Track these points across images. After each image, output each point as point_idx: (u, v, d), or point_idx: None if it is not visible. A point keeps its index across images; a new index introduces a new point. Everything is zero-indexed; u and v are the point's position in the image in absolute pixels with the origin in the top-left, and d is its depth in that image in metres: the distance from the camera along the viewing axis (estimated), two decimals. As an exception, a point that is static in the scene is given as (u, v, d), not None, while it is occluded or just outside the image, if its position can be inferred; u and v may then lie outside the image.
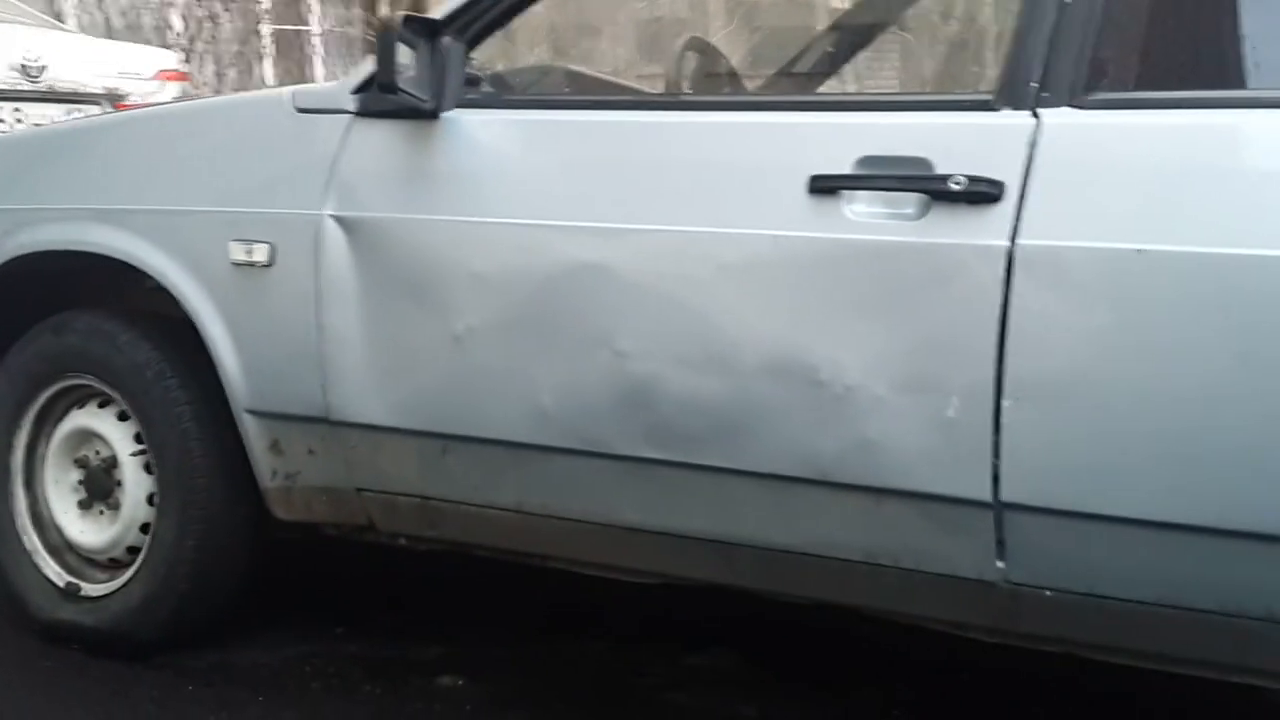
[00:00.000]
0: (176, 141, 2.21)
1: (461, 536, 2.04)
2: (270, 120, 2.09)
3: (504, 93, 2.04)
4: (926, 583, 1.71)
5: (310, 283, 1.99)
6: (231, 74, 7.07)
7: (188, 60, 6.76)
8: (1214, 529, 1.53)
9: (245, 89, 6.97)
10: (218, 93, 6.80)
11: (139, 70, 5.65)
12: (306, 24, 7.60)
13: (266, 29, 7.34)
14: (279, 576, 2.33)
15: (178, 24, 7.08)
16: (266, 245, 2.02)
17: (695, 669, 2.21)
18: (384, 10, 6.95)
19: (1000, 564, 1.65)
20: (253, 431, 2.09)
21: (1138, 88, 1.69)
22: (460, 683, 2.15)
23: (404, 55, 1.90)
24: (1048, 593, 1.64)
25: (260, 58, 7.40)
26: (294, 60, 7.45)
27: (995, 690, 2.13)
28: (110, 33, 6.57)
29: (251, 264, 2.03)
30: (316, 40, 7.53)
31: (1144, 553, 1.58)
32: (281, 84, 7.09)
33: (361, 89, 1.97)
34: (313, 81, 7.17)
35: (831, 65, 2.57)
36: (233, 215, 2.06)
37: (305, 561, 2.44)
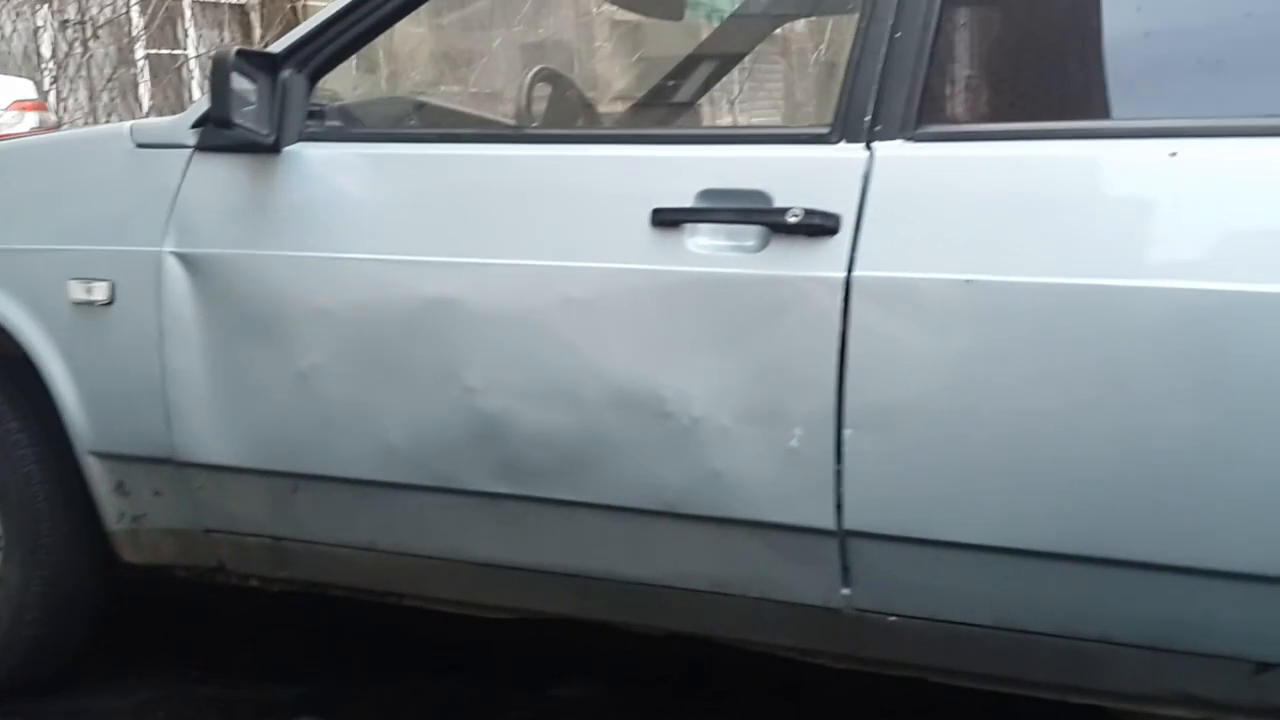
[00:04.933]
0: (13, 179, 2.15)
1: (314, 576, 2.01)
2: (109, 156, 2.04)
3: (349, 125, 2.02)
4: (775, 611, 1.73)
5: (152, 321, 1.94)
6: (105, 99, 6.89)
7: (55, 87, 6.58)
8: (1049, 553, 1.57)
9: (120, 116, 6.80)
10: (90, 121, 6.62)
11: (-9, 102, 5.47)
12: (182, 48, 7.44)
13: (140, 54, 7.17)
14: (133, 619, 2.27)
15: (47, 51, 6.89)
16: (106, 283, 1.97)
17: (559, 701, 2.19)
18: (258, 34, 6.84)
19: (845, 591, 1.67)
20: (97, 474, 2.03)
21: (969, 120, 1.73)
22: (319, 724, 2.11)
23: (245, 87, 1.87)
24: (892, 618, 1.67)
25: (135, 84, 7.22)
26: (170, 85, 7.29)
27: (850, 708, 2.15)
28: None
29: (92, 303, 1.98)
30: (193, 64, 7.38)
31: (983, 577, 1.61)
32: (159, 110, 6.94)
33: (200, 123, 1.93)
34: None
35: (689, 97, 2.59)
36: (72, 253, 2.01)
37: (161, 603, 2.37)
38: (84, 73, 6.94)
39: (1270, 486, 1.45)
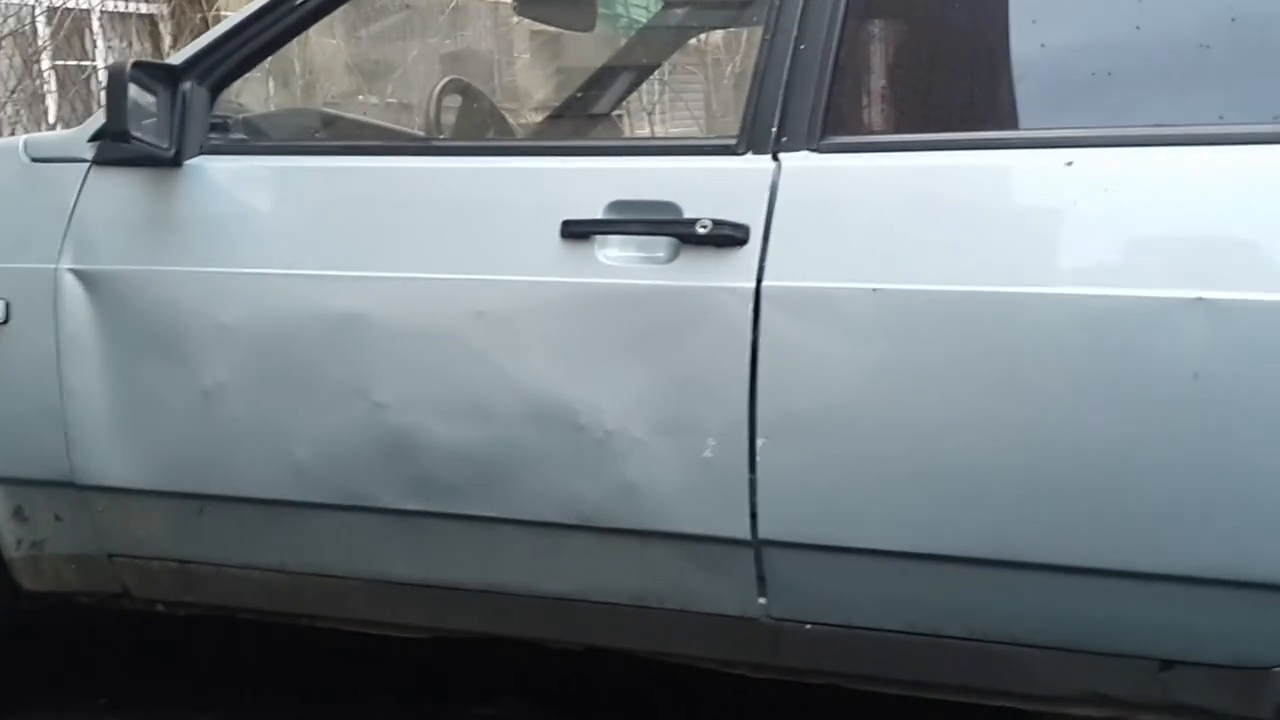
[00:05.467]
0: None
1: (223, 600, 1.96)
2: (3, 171, 1.98)
3: (254, 138, 1.98)
4: (694, 623, 1.72)
5: (49, 340, 1.88)
6: (9, 111, 6.70)
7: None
8: (956, 558, 1.58)
9: (26, 128, 6.62)
10: (-7, 132, 6.43)
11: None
12: (90, 59, 7.27)
13: (46, 65, 6.99)
14: (36, 647, 2.20)
15: (-54, 62, 6.68)
16: (1, 302, 1.91)
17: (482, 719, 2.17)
18: (168, 45, 6.71)
19: (762, 600, 1.67)
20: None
21: (873, 131, 1.75)
22: (232, 752, 2.06)
23: (144, 100, 1.82)
24: (808, 626, 1.67)
25: (40, 96, 7.04)
26: (78, 97, 7.11)
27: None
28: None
29: None
30: (102, 75, 7.21)
31: (894, 584, 1.62)
32: (65, 123, 6.77)
33: (98, 136, 1.88)
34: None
35: (603, 108, 2.58)
36: None
37: (65, 629, 2.31)
38: (-14, 84, 6.75)
39: (1168, 487, 1.48)
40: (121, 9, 7.52)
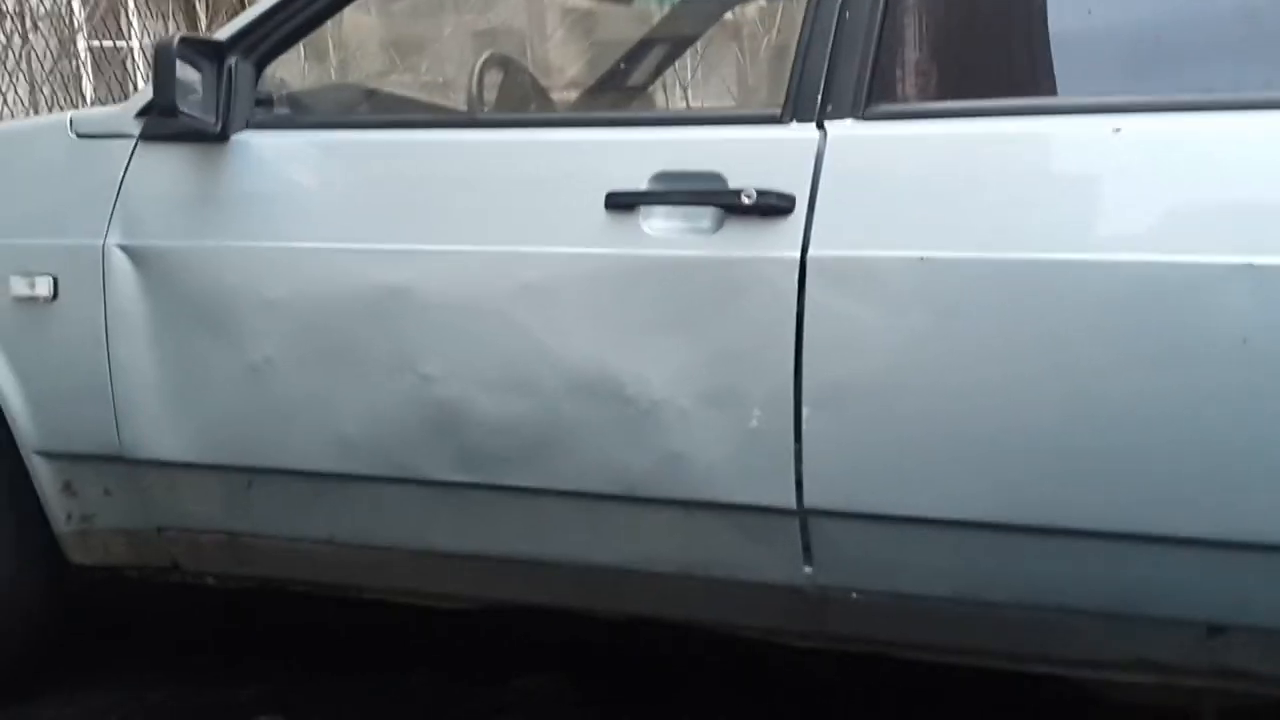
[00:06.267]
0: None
1: (272, 572, 1.98)
2: (50, 148, 1.99)
3: (298, 113, 1.99)
4: (739, 592, 1.73)
5: (98, 316, 1.90)
6: (46, 93, 6.76)
7: (-4, 82, 6.45)
8: (1004, 525, 1.58)
9: (64, 109, 6.67)
10: (31, 115, 6.49)
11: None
12: (126, 40, 7.31)
13: (83, 45, 7.04)
14: (82, 623, 2.23)
15: (-14, 43, 6.74)
16: (49, 278, 1.93)
17: (524, 692, 2.18)
18: (203, 24, 6.73)
19: (808, 569, 1.68)
20: (43, 474, 1.99)
21: (919, 99, 1.73)
22: (280, 721, 2.08)
23: (190, 76, 1.83)
24: (854, 595, 1.67)
25: (78, 77, 7.09)
26: (114, 78, 7.16)
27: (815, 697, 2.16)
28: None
29: (34, 298, 1.94)
30: (138, 56, 7.25)
31: (941, 551, 1.62)
32: (101, 102, 6.82)
33: (144, 112, 1.89)
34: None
35: (642, 81, 2.57)
36: (12, 247, 1.96)
37: (112, 604, 2.34)
38: (23, 66, 6.81)
39: (1219, 452, 1.47)
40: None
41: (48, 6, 6.69)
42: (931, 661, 1.77)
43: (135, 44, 7.31)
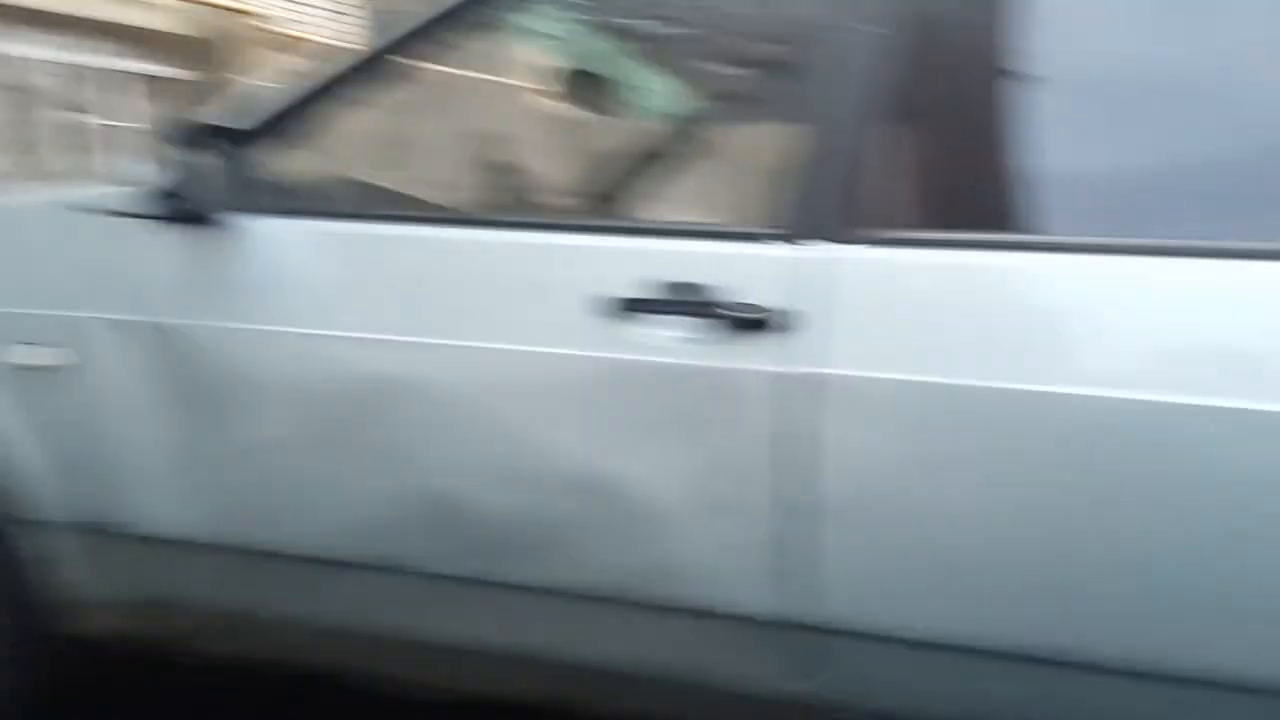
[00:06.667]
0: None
1: (262, 652, 2.00)
2: (59, 222, 2.03)
3: (303, 201, 2.00)
4: (735, 702, 1.75)
5: (102, 389, 1.94)
6: (3, 162, 6.74)
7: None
8: (1006, 653, 1.60)
9: (24, 177, 6.64)
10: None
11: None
12: (85, 113, 7.33)
13: (46, 115, 7.05)
14: (69, 699, 2.19)
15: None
16: (54, 350, 1.96)
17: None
18: (162, 103, 6.77)
19: (804, 683, 1.70)
20: (42, 544, 2.01)
21: (914, 227, 1.74)
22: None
23: (196, 159, 1.89)
24: (852, 712, 1.69)
25: (36, 144, 7.08)
26: (79, 148, 7.16)
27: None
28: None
29: (38, 368, 1.97)
30: (97, 129, 7.27)
31: (942, 673, 1.64)
32: (64, 173, 6.80)
33: (151, 193, 1.92)
34: (96, 172, 6.91)
35: (636, 190, 2.64)
36: (17, 317, 2.00)
37: (99, 681, 2.31)
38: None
39: (1199, 589, 1.51)
40: (126, 68, 7.59)
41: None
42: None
43: (95, 119, 7.29)
